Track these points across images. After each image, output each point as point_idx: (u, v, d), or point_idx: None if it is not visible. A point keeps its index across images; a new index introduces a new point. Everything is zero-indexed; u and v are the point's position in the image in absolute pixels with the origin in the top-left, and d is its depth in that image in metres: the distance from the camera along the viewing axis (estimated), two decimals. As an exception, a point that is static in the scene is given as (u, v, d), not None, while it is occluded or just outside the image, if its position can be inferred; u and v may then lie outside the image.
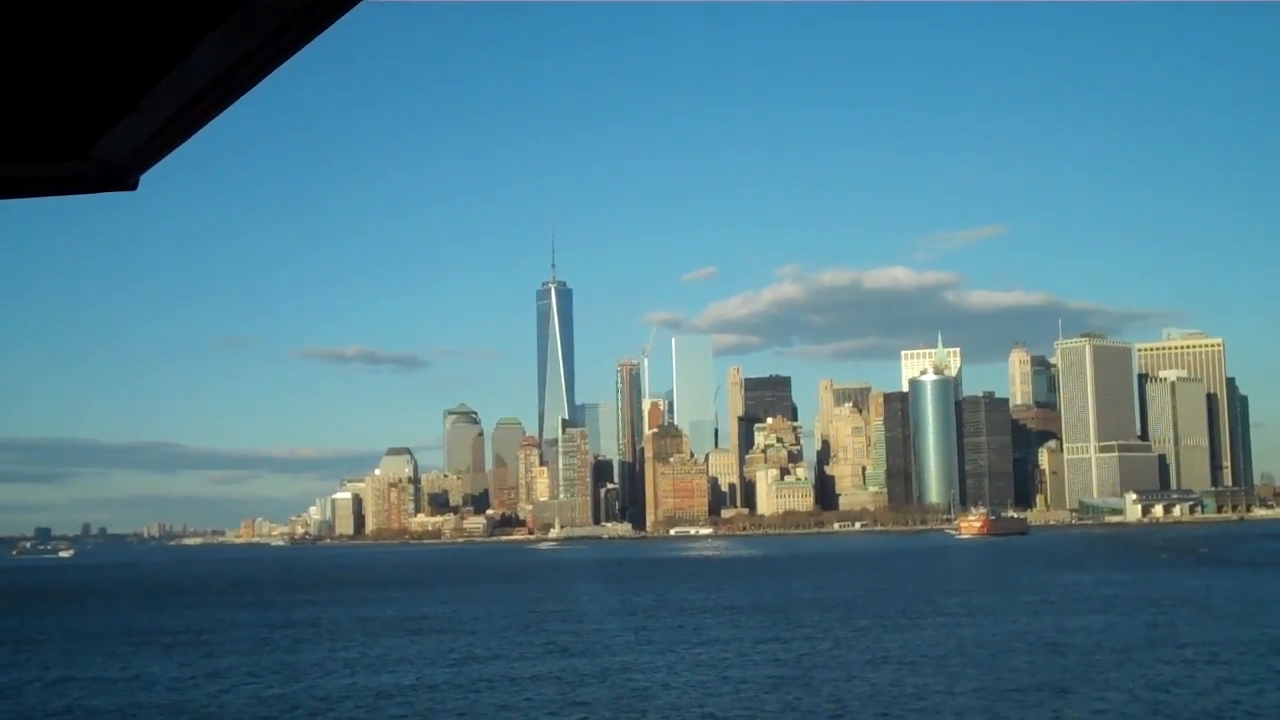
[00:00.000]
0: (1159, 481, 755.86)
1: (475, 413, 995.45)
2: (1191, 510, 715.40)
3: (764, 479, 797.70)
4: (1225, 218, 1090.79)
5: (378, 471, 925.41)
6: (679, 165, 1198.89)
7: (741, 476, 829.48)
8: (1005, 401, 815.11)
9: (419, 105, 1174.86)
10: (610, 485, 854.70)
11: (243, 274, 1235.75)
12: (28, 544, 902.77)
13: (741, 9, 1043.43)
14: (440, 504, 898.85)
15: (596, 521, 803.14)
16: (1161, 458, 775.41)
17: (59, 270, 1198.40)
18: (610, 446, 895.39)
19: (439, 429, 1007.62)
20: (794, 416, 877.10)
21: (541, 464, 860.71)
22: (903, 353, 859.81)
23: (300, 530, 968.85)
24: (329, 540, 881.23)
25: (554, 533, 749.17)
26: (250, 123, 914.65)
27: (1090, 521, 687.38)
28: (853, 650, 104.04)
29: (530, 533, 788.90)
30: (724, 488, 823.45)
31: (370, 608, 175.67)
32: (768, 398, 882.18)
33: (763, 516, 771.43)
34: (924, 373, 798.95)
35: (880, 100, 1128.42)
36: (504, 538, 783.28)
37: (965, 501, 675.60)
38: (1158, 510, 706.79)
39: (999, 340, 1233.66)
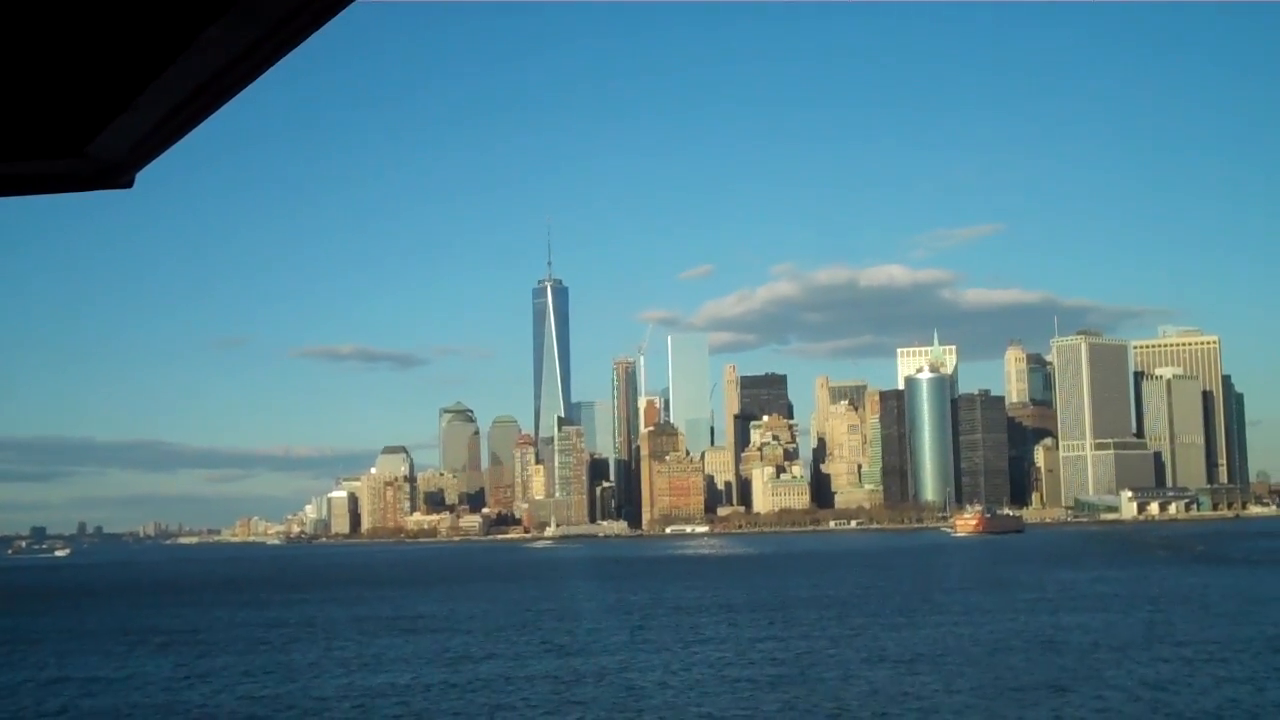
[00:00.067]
0: (1154, 479, 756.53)
1: (471, 411, 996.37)
2: (1187, 508, 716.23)
3: (760, 477, 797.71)
4: (1221, 216, 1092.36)
5: (373, 470, 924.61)
6: (675, 163, 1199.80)
7: (737, 474, 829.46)
8: (1001, 399, 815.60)
9: (415, 104, 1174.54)
10: (606, 483, 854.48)
11: (239, 273, 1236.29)
12: (23, 543, 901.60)
13: (738, 8, 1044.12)
14: (436, 503, 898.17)
15: (592, 520, 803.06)
16: (1157, 455, 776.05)
17: (55, 269, 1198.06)
18: (606, 445, 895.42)
19: (435, 427, 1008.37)
20: (790, 414, 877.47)
21: (537, 462, 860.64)
22: (898, 350, 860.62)
23: (296, 529, 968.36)
24: (325, 539, 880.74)
25: (550, 531, 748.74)
26: (246, 121, 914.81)
27: (1086, 519, 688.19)
28: (850, 649, 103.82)
29: (526, 531, 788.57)
30: (720, 486, 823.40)
31: (366, 607, 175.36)
32: (764, 396, 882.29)
33: (759, 514, 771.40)
34: (920, 371, 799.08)
35: (876, 99, 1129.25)
36: (500, 536, 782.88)
37: (961, 499, 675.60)
38: (1153, 508, 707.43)
39: (995, 338, 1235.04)
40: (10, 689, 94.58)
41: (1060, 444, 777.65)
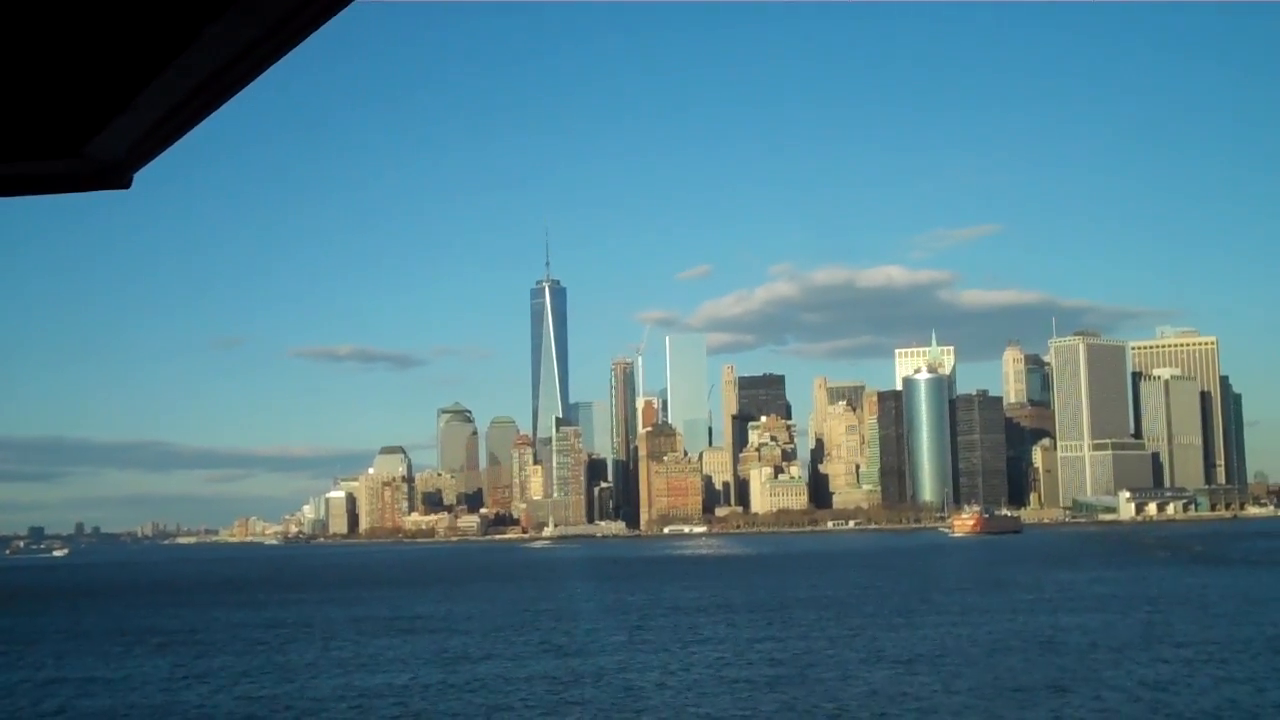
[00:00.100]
0: (1153, 480, 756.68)
1: (469, 411, 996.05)
2: (1185, 508, 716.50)
3: (758, 477, 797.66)
4: (1220, 217, 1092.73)
5: (371, 470, 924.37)
6: (673, 164, 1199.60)
7: (735, 475, 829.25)
8: (999, 400, 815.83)
9: (413, 104, 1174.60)
10: (604, 484, 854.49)
11: (237, 273, 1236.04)
12: (21, 543, 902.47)
13: (736, 9, 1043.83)
14: (434, 503, 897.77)
15: (590, 520, 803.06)
16: (1155, 456, 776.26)
17: (53, 269, 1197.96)
18: (604, 445, 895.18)
19: (433, 428, 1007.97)
20: (788, 415, 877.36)
21: (535, 463, 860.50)
22: (896, 351, 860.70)
23: (294, 529, 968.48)
24: (323, 539, 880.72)
25: (548, 531, 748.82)
26: (244, 121, 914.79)
27: (1084, 520, 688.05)
28: (848, 649, 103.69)
29: (524, 531, 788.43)
30: (718, 486, 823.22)
31: (363, 607, 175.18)
32: (762, 396, 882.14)
33: (757, 515, 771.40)
34: (918, 371, 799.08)
35: (875, 99, 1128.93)
36: (498, 537, 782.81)
37: (959, 500, 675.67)
38: (1151, 508, 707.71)
39: (993, 339, 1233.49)
40: (7, 689, 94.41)
41: (1058, 444, 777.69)
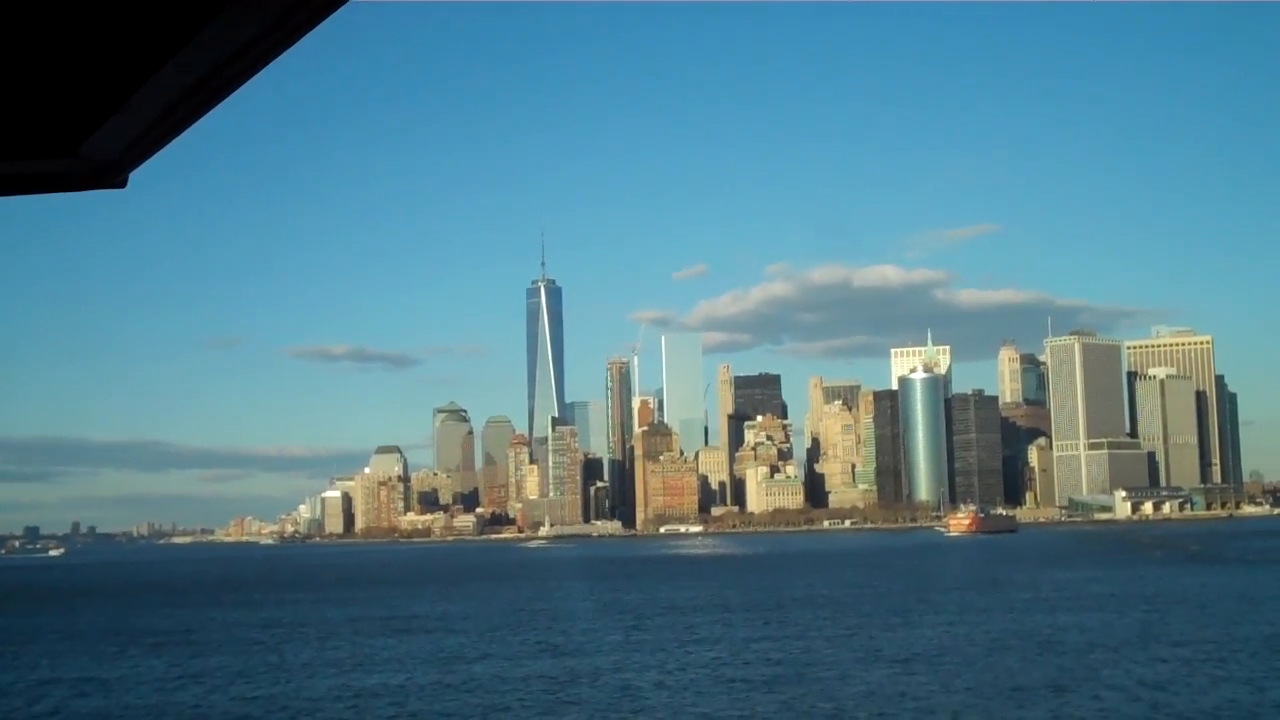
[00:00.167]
0: (1148, 479, 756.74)
1: (465, 411, 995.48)
2: (1181, 508, 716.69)
3: (754, 477, 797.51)
4: (1215, 216, 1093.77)
5: (367, 470, 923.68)
6: (669, 163, 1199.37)
7: (731, 474, 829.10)
8: (995, 399, 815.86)
9: (408, 104, 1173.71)
10: (600, 483, 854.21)
11: (233, 273, 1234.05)
12: (17, 543, 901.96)
13: (733, 8, 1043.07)
14: (430, 502, 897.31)
15: (586, 520, 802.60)
16: (1151, 455, 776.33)
17: (49, 269, 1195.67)
18: (600, 444, 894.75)
19: (429, 427, 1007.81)
20: (784, 414, 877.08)
21: (531, 462, 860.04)
22: (892, 351, 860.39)
23: (290, 529, 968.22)
24: (319, 539, 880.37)
25: (544, 531, 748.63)
26: (240, 121, 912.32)
27: (1080, 519, 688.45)
28: (845, 649, 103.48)
29: (520, 531, 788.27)
30: (714, 486, 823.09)
31: (359, 607, 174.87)
32: (757, 395, 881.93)
33: (752, 514, 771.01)
34: (913, 370, 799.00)
35: (872, 99, 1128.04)
36: (494, 536, 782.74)
37: (955, 499, 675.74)
38: (1147, 508, 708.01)
39: (988, 338, 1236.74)
40: (2, 689, 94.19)
41: (1054, 444, 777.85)
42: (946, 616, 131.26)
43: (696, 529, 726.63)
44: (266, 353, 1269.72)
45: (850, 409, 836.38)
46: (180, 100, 6.66)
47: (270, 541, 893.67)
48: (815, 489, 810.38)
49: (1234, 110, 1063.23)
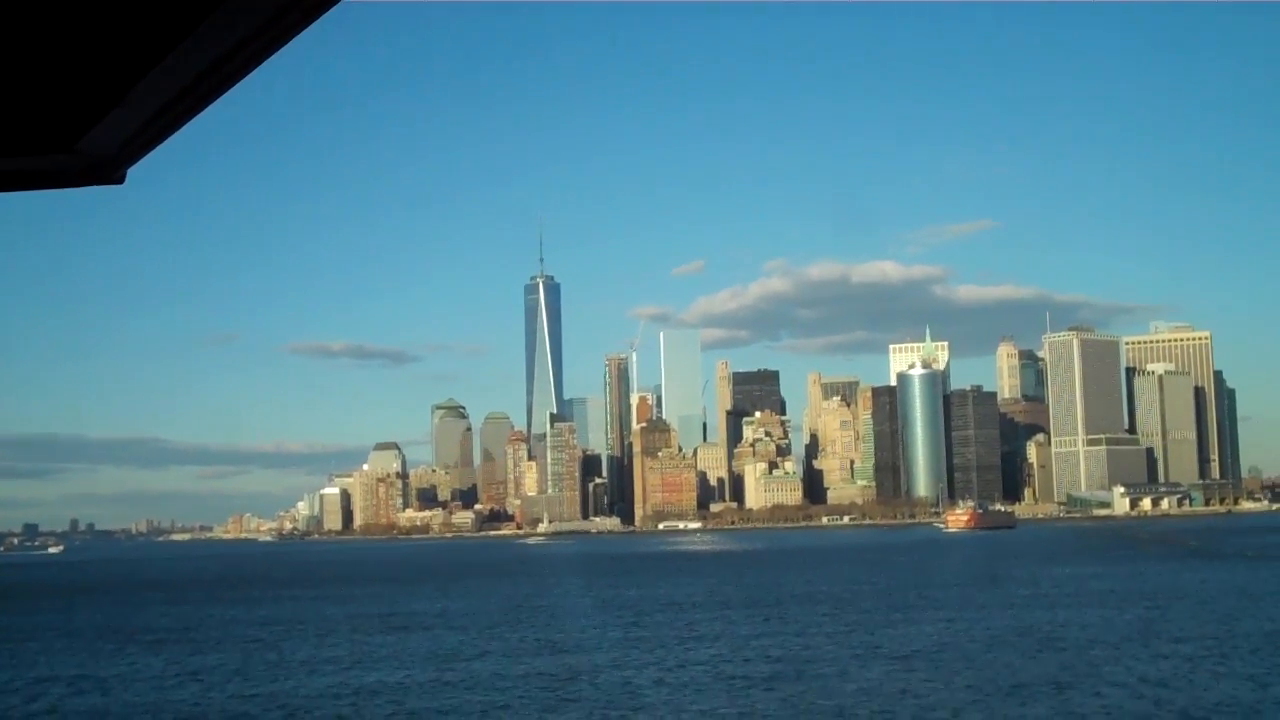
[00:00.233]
0: (1147, 475, 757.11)
1: (463, 407, 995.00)
2: (1179, 503, 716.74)
3: (752, 473, 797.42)
4: (1213, 212, 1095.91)
5: (366, 467, 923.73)
6: (667, 160, 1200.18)
7: (730, 470, 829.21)
8: (993, 395, 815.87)
9: (407, 101, 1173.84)
10: (598, 480, 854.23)
11: (231, 269, 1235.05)
12: (15, 540, 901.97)
13: (731, 6, 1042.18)
14: (428, 499, 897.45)
15: (585, 516, 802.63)
16: (1149, 451, 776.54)
17: (46, 265, 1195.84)
18: (598, 441, 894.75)
19: (427, 424, 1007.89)
20: (782, 410, 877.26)
21: (530, 459, 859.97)
22: (891, 347, 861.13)
23: (288, 526, 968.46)
24: (317, 536, 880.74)
25: (542, 527, 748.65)
26: (238, 117, 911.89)
27: (1078, 515, 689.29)
28: (845, 646, 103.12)
29: (519, 527, 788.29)
30: (712, 482, 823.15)
31: (358, 604, 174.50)
32: (756, 392, 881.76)
33: (751, 510, 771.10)
34: (912, 366, 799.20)
35: (870, 95, 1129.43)
36: (492, 533, 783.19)
37: (953, 495, 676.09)
38: (1145, 503, 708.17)
39: (987, 334, 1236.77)
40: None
41: (1052, 440, 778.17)
42: (946, 613, 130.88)
43: (695, 525, 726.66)
44: (265, 349, 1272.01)
45: (849, 405, 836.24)
46: (178, 96, 6.65)
47: (269, 538, 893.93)
48: (814, 485, 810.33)
49: (1233, 107, 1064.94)
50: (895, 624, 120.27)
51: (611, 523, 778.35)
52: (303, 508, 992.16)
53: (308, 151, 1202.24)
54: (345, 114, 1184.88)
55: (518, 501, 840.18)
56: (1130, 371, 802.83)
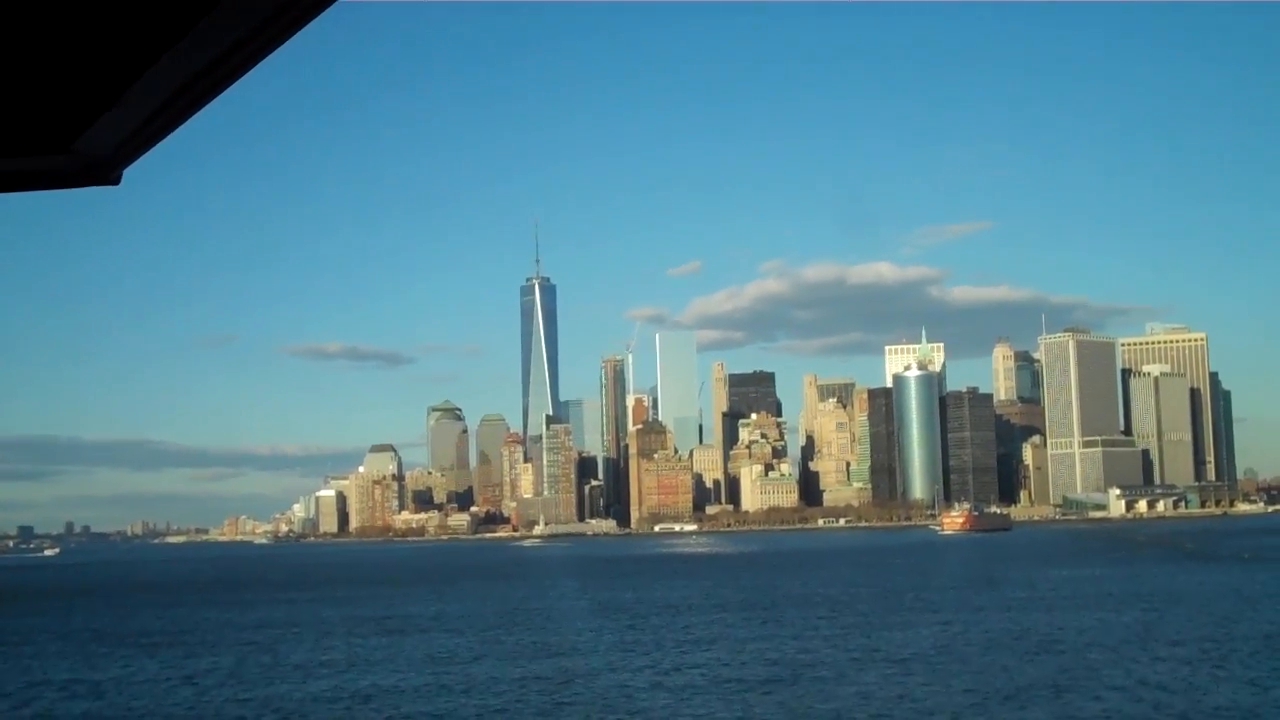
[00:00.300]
0: (1142, 477, 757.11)
1: (459, 409, 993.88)
2: (1175, 505, 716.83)
3: (748, 475, 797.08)
4: (1209, 213, 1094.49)
5: (361, 469, 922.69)
6: (663, 161, 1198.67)
7: (726, 473, 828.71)
8: (989, 397, 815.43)
9: (402, 102, 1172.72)
10: (594, 482, 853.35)
11: (226, 271, 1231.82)
12: (11, 542, 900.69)
13: (728, 6, 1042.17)
14: (424, 501, 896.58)
15: (581, 518, 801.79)
16: (1145, 453, 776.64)
17: (41, 266, 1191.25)
18: (594, 443, 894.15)
19: (423, 426, 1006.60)
20: (778, 412, 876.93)
21: (525, 461, 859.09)
22: (887, 348, 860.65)
23: (284, 528, 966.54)
24: (313, 538, 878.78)
25: (538, 530, 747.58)
26: (234, 118, 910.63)
27: (1074, 517, 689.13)
28: (842, 649, 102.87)
29: (514, 530, 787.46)
30: (708, 484, 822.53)
31: (353, 607, 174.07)
32: (752, 394, 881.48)
33: (747, 513, 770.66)
34: (908, 368, 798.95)
35: (866, 96, 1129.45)
36: (488, 535, 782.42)
37: (949, 497, 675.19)
38: (1141, 505, 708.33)
39: (983, 336, 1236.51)
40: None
41: (1048, 442, 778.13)
42: (943, 615, 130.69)
43: (691, 528, 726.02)
44: (260, 351, 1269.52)
45: (845, 407, 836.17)
46: (174, 97, 6.63)
47: (264, 541, 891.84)
48: (810, 487, 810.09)
49: (1229, 108, 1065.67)
50: (892, 627, 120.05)
51: (607, 525, 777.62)
52: (298, 510, 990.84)
53: (303, 153, 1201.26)
54: (340, 115, 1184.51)
55: (513, 504, 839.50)
56: (1126, 373, 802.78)
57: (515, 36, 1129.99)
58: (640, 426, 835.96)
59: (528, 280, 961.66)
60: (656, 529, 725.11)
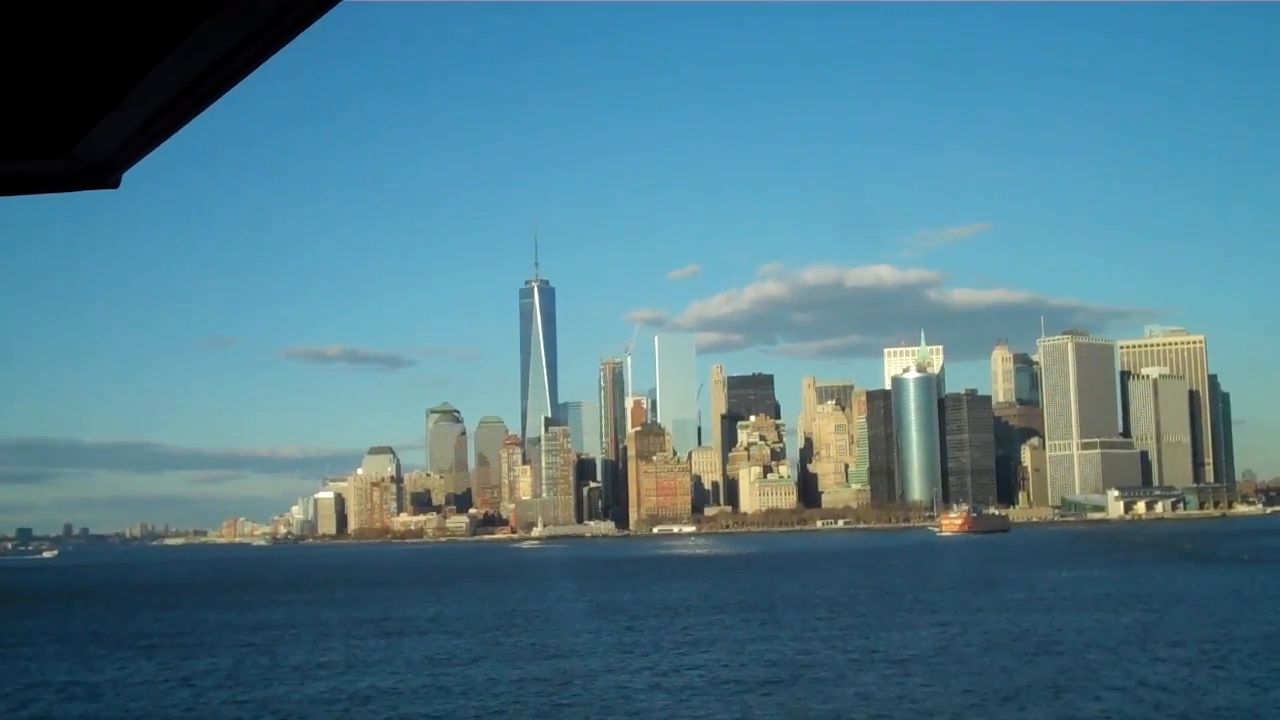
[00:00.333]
0: (1141, 478, 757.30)
1: (458, 411, 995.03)
2: (1173, 507, 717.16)
3: (747, 477, 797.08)
4: (1208, 216, 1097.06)
5: (360, 471, 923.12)
6: (662, 163, 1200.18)
7: (724, 474, 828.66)
8: (988, 399, 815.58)
9: (401, 104, 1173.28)
10: (593, 484, 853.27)
11: (225, 274, 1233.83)
12: (9, 544, 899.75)
13: (727, 8, 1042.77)
14: (423, 503, 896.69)
15: (579, 520, 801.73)
16: (1144, 454, 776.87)
17: (41, 269, 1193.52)
18: (593, 445, 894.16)
19: (421, 428, 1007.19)
20: (777, 414, 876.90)
21: (524, 463, 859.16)
22: (885, 350, 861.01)
23: (283, 530, 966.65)
24: (311, 540, 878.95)
25: (537, 532, 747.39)
26: (233, 122, 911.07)
27: (1073, 518, 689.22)
28: (841, 650, 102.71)
29: (513, 532, 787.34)
30: (707, 486, 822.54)
31: (351, 608, 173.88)
32: (750, 396, 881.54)
33: (746, 514, 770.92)
34: (907, 370, 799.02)
35: (865, 99, 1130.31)
36: (487, 537, 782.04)
37: (948, 499, 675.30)
38: (1140, 507, 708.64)
39: (981, 338, 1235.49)
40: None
41: (1047, 443, 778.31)
42: (942, 616, 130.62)
43: (689, 529, 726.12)
44: (259, 353, 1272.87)
45: (843, 409, 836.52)
46: (174, 100, 6.63)
47: (263, 543, 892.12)
48: (808, 489, 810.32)
49: (1229, 110, 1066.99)
50: (891, 628, 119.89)
51: (606, 527, 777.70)
52: (297, 512, 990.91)
53: (302, 155, 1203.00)
54: (339, 117, 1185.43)
55: (512, 506, 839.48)
56: (1125, 375, 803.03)
57: (515, 37, 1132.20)
58: (639, 428, 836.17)
59: (527, 282, 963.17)
60: (655, 531, 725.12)
